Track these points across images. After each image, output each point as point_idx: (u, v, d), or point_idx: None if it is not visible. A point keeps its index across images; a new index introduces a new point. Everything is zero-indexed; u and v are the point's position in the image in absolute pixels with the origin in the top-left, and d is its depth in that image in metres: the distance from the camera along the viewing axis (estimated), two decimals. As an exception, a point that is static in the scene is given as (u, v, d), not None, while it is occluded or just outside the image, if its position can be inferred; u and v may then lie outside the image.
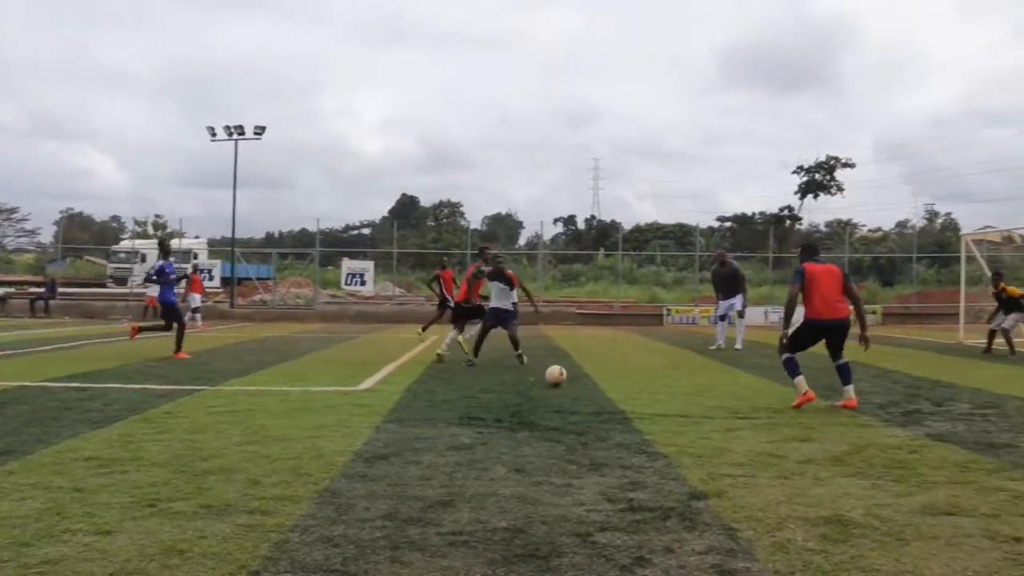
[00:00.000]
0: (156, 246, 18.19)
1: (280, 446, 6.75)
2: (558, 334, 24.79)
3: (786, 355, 9.55)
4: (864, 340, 9.62)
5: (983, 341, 20.46)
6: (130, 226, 43.19)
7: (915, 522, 4.69)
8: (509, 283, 13.88)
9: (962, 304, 22.83)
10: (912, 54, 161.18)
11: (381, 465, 6.08)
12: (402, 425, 7.83)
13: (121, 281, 45.43)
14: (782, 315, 10.14)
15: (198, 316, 27.79)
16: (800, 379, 9.32)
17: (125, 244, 51.96)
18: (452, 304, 20.10)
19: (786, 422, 8.19)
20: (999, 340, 17.25)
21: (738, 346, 18.46)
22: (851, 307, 9.73)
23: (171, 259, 16.07)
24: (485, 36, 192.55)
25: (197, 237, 53.04)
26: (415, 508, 4.90)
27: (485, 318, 14.36)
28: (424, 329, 21.07)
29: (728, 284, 18.90)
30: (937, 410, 9.08)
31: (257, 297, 38.66)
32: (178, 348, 15.05)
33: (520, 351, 14.01)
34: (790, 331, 9.68)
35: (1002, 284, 17.31)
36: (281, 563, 3.90)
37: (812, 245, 10.71)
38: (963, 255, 22.90)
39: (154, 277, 15.63)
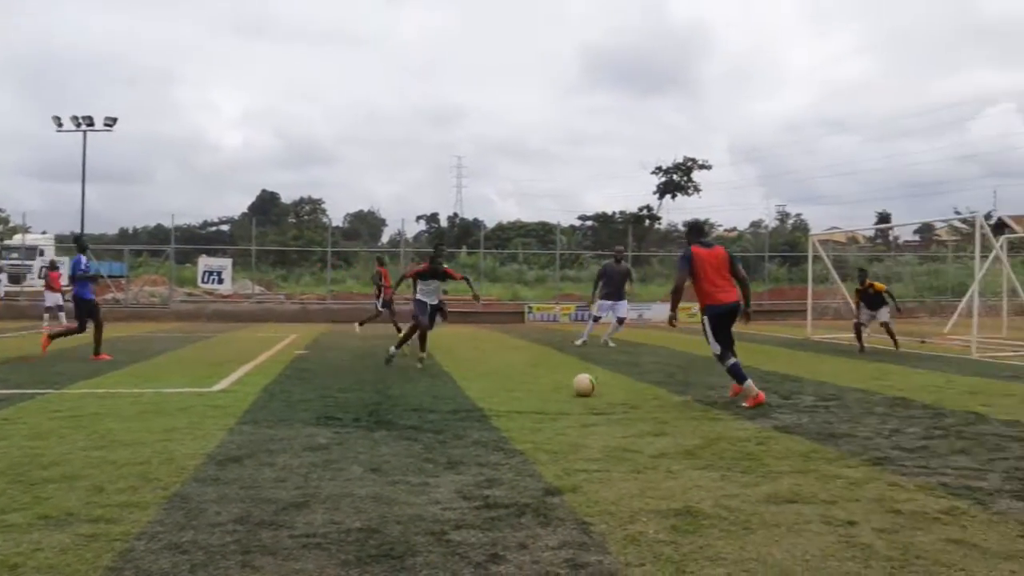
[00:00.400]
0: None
1: (128, 451, 6.51)
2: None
3: (730, 362, 9.45)
4: (747, 316, 9.81)
5: (831, 336, 21.42)
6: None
7: (760, 511, 4.87)
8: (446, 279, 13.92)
9: (809, 301, 23.79)
10: (765, 63, 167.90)
11: (234, 468, 5.94)
12: (257, 426, 7.67)
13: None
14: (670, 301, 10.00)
15: (62, 315, 26.54)
16: (749, 382, 9.27)
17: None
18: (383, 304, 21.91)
19: (641, 417, 8.37)
20: (866, 334, 17.82)
21: (608, 341, 18.69)
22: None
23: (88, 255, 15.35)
24: (349, 32, 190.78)
25: (44, 232, 50.65)
26: (268, 511, 4.81)
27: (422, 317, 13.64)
28: (362, 324, 22.75)
29: (618, 283, 18.83)
30: (784, 403, 9.43)
31: (109, 296, 37.14)
32: (97, 350, 14.54)
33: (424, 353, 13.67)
34: (710, 336, 9.54)
35: (868, 280, 17.89)
36: (124, 573, 3.77)
37: (699, 226, 10.66)
38: (810, 254, 23.85)
39: (76, 273, 14.90)
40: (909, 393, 10.22)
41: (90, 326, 14.74)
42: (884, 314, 17.43)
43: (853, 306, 18.70)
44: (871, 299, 17.63)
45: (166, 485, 5.41)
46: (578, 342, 18.85)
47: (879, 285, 17.81)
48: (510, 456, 6.40)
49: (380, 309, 22.54)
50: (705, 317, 9.56)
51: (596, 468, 6.00)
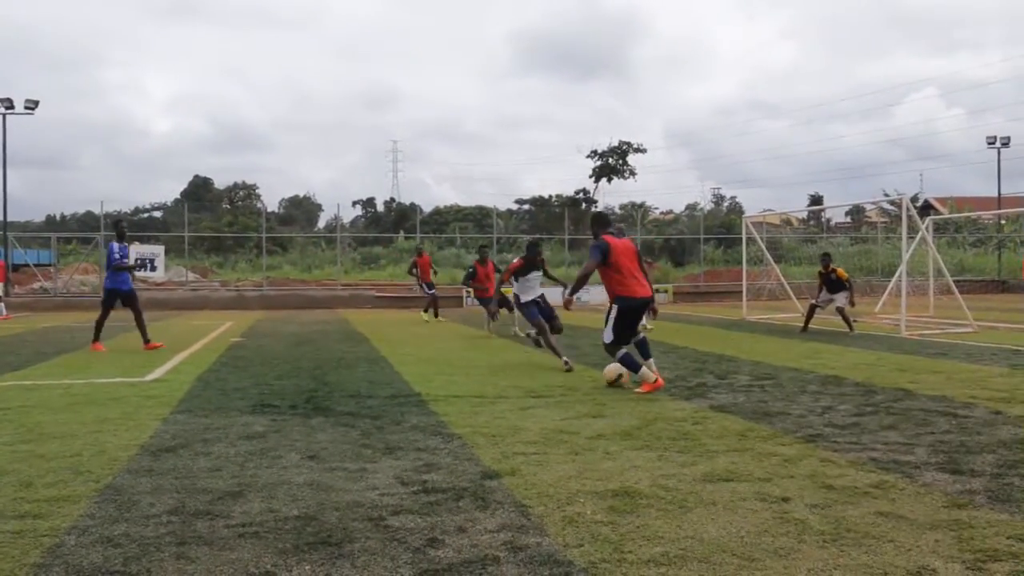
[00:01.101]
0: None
1: (58, 443, 6.37)
2: (357, 318, 24.54)
3: (621, 353, 9.14)
4: (653, 311, 9.83)
5: (766, 317, 21.73)
6: None
7: (697, 490, 4.92)
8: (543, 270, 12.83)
9: (744, 282, 24.10)
10: (698, 48, 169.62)
11: (168, 458, 5.84)
12: (192, 415, 7.56)
13: None
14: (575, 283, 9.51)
15: (1, 306, 25.90)
16: (644, 369, 9.07)
17: None
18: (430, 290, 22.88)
19: (579, 399, 8.42)
20: (818, 316, 18.02)
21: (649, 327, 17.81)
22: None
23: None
24: (279, 15, 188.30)
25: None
26: (203, 501, 4.74)
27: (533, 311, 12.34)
28: (426, 311, 23.05)
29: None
30: (720, 383, 9.55)
31: (36, 285, 36.30)
32: (146, 338, 14.17)
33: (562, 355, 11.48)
34: (610, 326, 9.19)
35: (832, 265, 17.97)
36: (54, 569, 3.68)
37: (605, 216, 10.27)
38: (744, 236, 24.15)
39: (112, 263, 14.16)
40: (841, 371, 10.42)
41: (107, 315, 14.30)
42: (841, 299, 17.64)
43: (788, 288, 18.90)
44: (832, 283, 17.80)
45: (98, 478, 5.30)
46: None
47: (842, 272, 17.97)
48: (448, 440, 6.40)
49: (427, 292, 23.53)
50: (616, 307, 9.21)
51: (534, 451, 6.02)
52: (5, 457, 5.92)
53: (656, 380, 8.98)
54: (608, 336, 9.24)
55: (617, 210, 69.55)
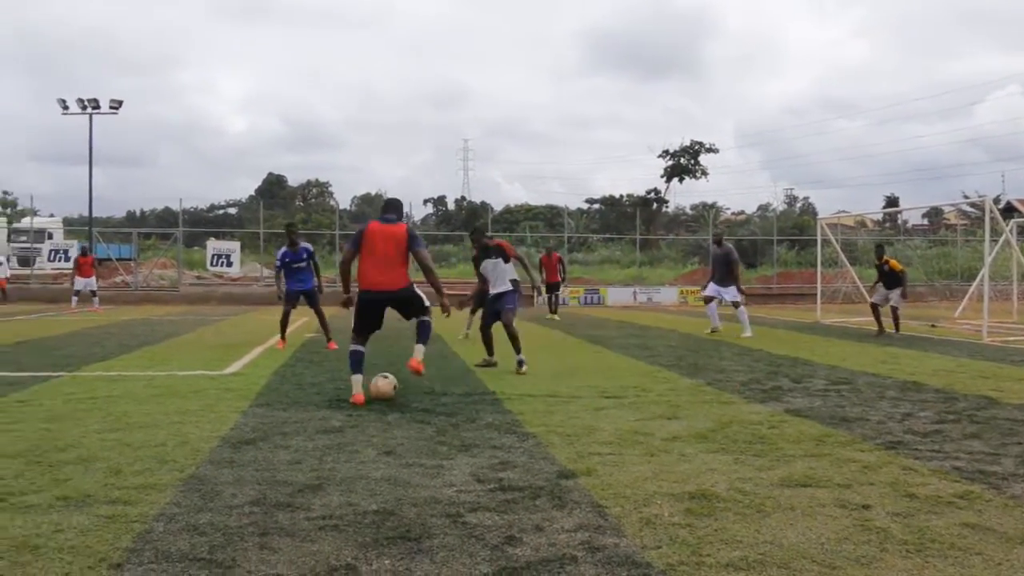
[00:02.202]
0: (5, 224, 16.65)
1: (143, 433, 6.55)
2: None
3: (353, 346, 8.54)
4: (444, 308, 8.90)
5: (841, 320, 21.36)
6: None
7: (775, 494, 4.88)
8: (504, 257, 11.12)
9: (819, 285, 23.72)
10: (770, 46, 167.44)
11: (248, 450, 5.97)
12: (270, 409, 7.70)
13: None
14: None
15: (96, 299, 26.70)
16: (357, 377, 8.34)
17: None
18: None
19: (653, 400, 8.38)
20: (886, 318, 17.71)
21: (746, 333, 16.66)
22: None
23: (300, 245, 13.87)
24: (348, 15, 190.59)
25: (52, 215, 50.75)
26: (284, 493, 4.83)
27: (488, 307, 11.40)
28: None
29: (720, 268, 17.49)
30: (796, 387, 9.43)
31: (118, 279, 37.25)
32: (328, 336, 13.96)
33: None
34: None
35: (886, 256, 17.54)
36: (145, 554, 3.79)
37: (390, 202, 9.27)
38: (819, 238, 23.77)
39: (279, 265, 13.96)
40: (920, 377, 10.21)
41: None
42: (896, 296, 17.28)
43: (864, 290, 18.51)
44: (886, 277, 17.39)
45: (182, 467, 5.44)
46: (708, 330, 17.59)
47: (895, 263, 17.52)
48: (523, 439, 6.42)
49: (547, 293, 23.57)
50: (358, 298, 8.67)
51: (609, 451, 6.02)
52: (95, 444, 6.11)
53: (356, 396, 8.17)
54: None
55: (688, 210, 69.12)
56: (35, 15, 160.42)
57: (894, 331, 16.92)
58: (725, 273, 17.38)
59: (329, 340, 13.69)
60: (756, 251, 46.88)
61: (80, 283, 26.11)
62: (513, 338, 10.84)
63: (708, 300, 17.89)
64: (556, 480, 5.18)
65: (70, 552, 3.79)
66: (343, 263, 8.92)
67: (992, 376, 10.42)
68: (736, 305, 17.44)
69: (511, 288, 11.05)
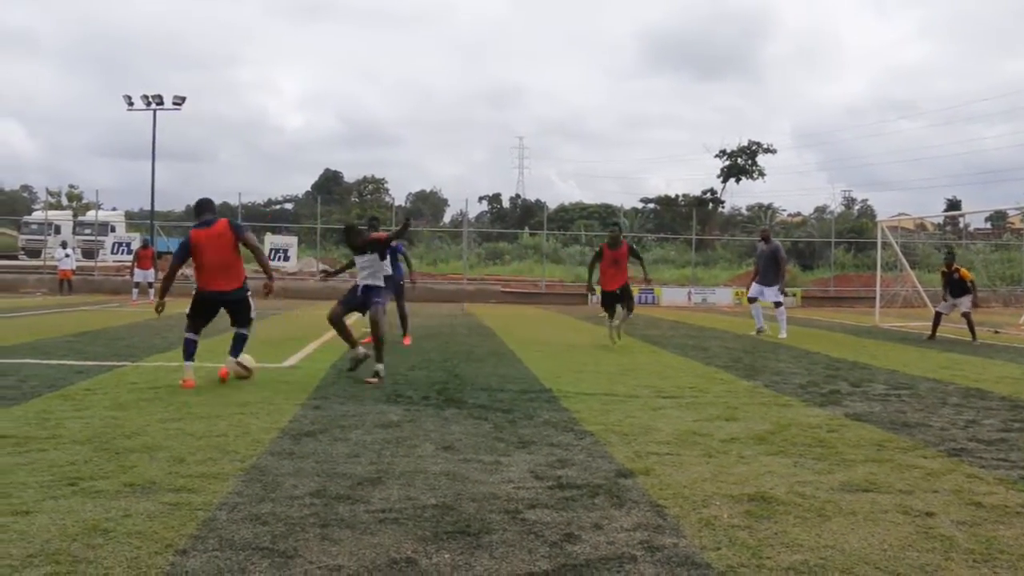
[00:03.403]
0: (71, 216, 16.79)
1: (205, 423, 6.65)
2: (483, 312, 24.81)
3: (188, 334, 8.98)
4: (268, 289, 9.34)
5: (899, 324, 21.03)
6: (42, 196, 41.86)
7: (835, 499, 4.82)
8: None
9: (878, 288, 23.39)
10: (827, 45, 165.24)
11: (308, 442, 6.03)
12: (328, 402, 7.78)
13: (34, 253, 44.15)
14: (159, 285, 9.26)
15: (151, 291, 27.15)
16: (189, 364, 8.78)
17: (38, 215, 50.33)
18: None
19: (710, 401, 8.33)
20: (950, 325, 17.35)
21: (783, 335, 16.71)
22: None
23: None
24: (405, 13, 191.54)
25: (114, 209, 51.82)
26: (343, 485, 4.88)
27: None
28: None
29: (766, 265, 17.25)
30: (855, 391, 9.30)
31: (179, 271, 37.82)
32: (405, 331, 14.06)
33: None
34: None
35: (955, 265, 17.18)
36: (209, 541, 3.85)
37: (201, 203, 9.29)
38: (879, 241, 23.43)
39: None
40: (984, 384, 10.01)
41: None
42: (966, 303, 16.83)
43: (924, 295, 18.21)
44: (954, 285, 16.99)
45: (243, 458, 5.52)
46: (753, 332, 17.39)
47: (965, 272, 17.14)
48: (581, 437, 6.42)
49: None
50: (196, 294, 9.03)
51: (667, 451, 5.99)
52: (159, 433, 6.22)
53: (187, 380, 8.58)
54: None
55: (744, 211, 68.51)
56: (101, 14, 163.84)
57: (972, 339, 16.43)
58: (771, 271, 17.14)
59: (405, 335, 13.78)
60: (813, 253, 46.35)
61: (139, 275, 26.51)
62: (377, 339, 9.62)
63: (752, 300, 17.76)
64: (614, 479, 5.17)
65: (138, 537, 3.87)
66: (167, 277, 9.21)
67: (1059, 384, 10.19)
68: (777, 305, 17.22)
69: (383, 285, 10.22)
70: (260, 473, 5.13)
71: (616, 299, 14.52)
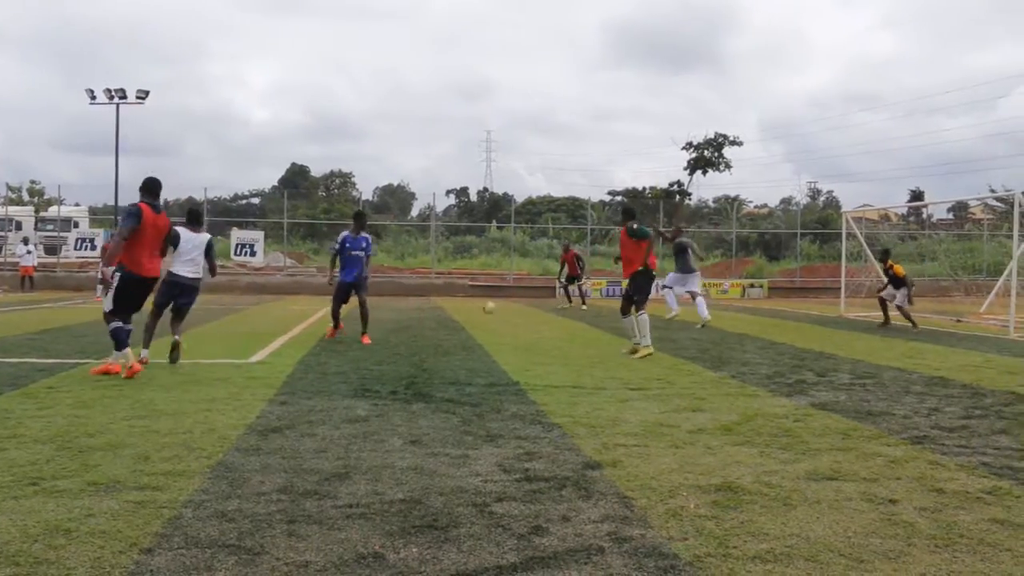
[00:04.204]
0: (32, 212, 16.68)
1: (170, 420, 6.59)
2: (451, 306, 24.78)
3: (114, 324, 8.99)
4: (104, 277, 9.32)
5: (864, 314, 21.26)
6: (2, 191, 41.13)
7: (801, 487, 4.86)
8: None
9: (843, 279, 23.64)
10: (793, 38, 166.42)
11: (275, 438, 6.00)
12: (295, 398, 7.73)
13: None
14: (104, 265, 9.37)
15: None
16: (125, 351, 8.93)
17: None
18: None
19: (677, 393, 8.37)
20: (893, 313, 18.01)
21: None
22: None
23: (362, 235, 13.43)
24: (374, 6, 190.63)
25: (77, 204, 51.11)
26: (311, 481, 4.85)
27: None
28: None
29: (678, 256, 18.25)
30: (820, 380, 9.39)
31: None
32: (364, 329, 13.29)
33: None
34: (111, 297, 9.10)
35: (890, 261, 18.19)
36: (174, 539, 3.82)
37: (151, 184, 9.50)
38: (844, 232, 23.65)
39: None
40: (947, 372, 10.15)
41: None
42: (900, 296, 17.72)
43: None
44: (893, 279, 17.96)
45: (209, 454, 5.47)
46: (668, 316, 17.76)
47: (899, 269, 18.10)
48: (548, 430, 6.43)
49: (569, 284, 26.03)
50: (119, 277, 9.01)
51: (635, 443, 6.01)
52: (124, 431, 6.16)
53: (133, 365, 8.84)
54: (108, 306, 9.16)
55: (711, 203, 68.84)
56: (64, 4, 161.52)
57: (911, 326, 17.25)
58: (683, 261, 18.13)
59: (364, 333, 13.09)
60: (779, 244, 46.67)
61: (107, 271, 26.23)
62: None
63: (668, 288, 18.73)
64: (582, 471, 5.18)
65: (101, 536, 3.83)
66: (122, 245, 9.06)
67: (1020, 372, 10.35)
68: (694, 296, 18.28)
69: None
70: (226, 470, 5.09)
71: (625, 294, 12.64)
